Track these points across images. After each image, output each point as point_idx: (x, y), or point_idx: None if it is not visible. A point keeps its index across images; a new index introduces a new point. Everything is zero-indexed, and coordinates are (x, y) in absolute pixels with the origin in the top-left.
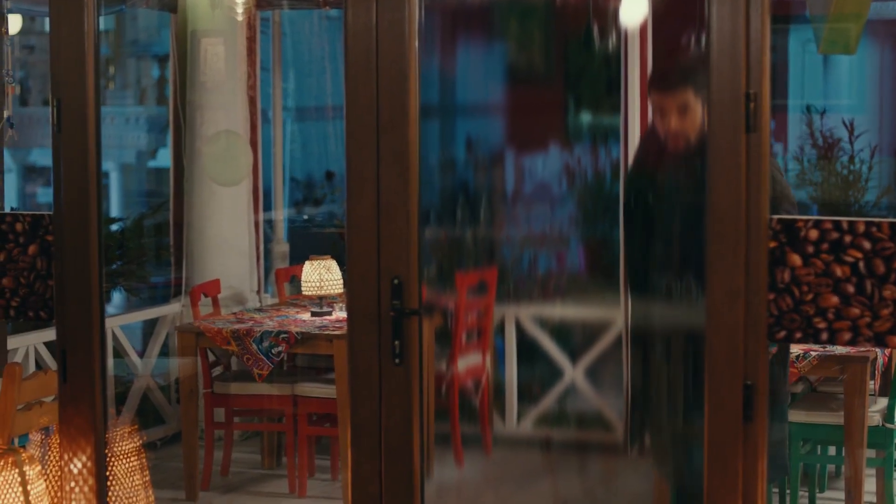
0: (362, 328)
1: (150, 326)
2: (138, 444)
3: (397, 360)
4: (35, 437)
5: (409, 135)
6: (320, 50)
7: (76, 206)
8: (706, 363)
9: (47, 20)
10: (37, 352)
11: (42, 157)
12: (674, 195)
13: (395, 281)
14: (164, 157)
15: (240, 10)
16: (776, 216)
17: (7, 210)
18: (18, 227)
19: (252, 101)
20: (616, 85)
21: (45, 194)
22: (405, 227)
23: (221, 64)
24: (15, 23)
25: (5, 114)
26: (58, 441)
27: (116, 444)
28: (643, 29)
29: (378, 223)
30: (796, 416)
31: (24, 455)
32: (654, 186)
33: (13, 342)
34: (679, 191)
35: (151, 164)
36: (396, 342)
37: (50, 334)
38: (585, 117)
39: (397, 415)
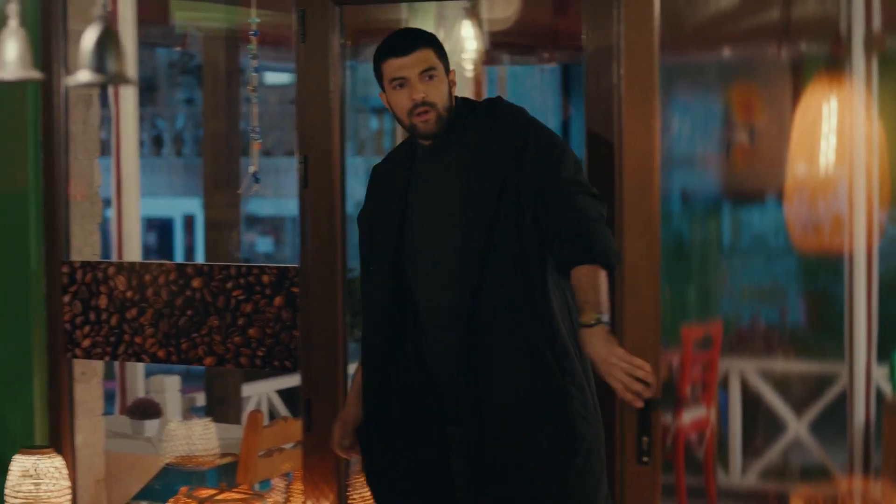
0: None
1: None
2: None
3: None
4: (277, 482)
5: (652, 205)
6: (542, 103)
7: (321, 259)
8: None
9: (268, 74)
10: (269, 400)
11: (260, 207)
12: None
13: None
14: None
15: (469, 66)
16: None
17: (241, 260)
18: (265, 279)
19: None
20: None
21: (263, 243)
22: (651, 306)
23: None
24: None
25: (251, 169)
26: (299, 487)
27: (356, 491)
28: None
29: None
30: None
31: (268, 500)
32: None
33: (247, 390)
34: None
35: None
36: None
37: (281, 382)
38: (802, 168)
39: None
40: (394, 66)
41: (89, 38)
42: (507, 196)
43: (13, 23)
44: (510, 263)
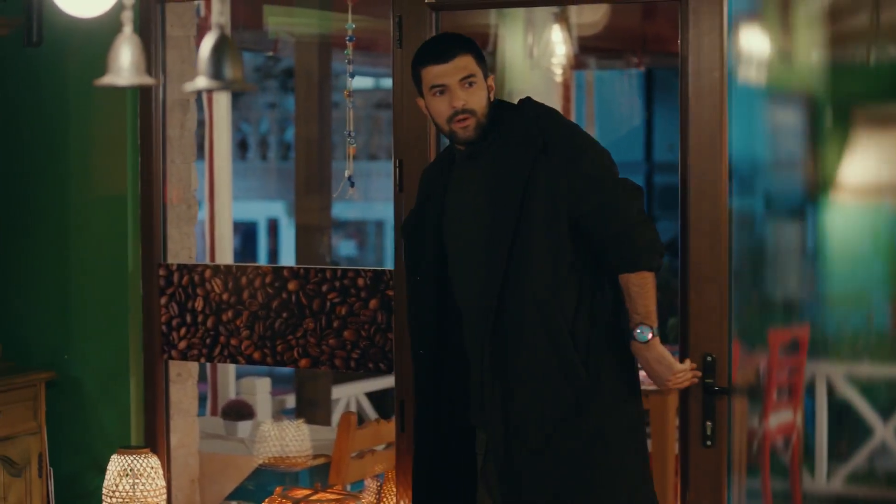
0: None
1: None
2: None
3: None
4: (370, 483)
5: (720, 204)
6: (627, 106)
7: None
8: None
9: (349, 79)
10: (358, 402)
11: (345, 210)
12: None
13: (708, 358)
14: None
15: (559, 70)
16: None
17: (331, 264)
18: (360, 282)
19: None
20: None
21: (346, 247)
22: (718, 300)
23: None
24: None
25: (346, 173)
26: (392, 488)
27: None
28: None
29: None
30: None
31: (362, 500)
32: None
33: (336, 392)
34: None
35: None
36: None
37: (370, 385)
38: (885, 171)
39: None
40: (433, 73)
41: (206, 45)
42: (531, 195)
43: (127, 30)
44: (535, 260)
